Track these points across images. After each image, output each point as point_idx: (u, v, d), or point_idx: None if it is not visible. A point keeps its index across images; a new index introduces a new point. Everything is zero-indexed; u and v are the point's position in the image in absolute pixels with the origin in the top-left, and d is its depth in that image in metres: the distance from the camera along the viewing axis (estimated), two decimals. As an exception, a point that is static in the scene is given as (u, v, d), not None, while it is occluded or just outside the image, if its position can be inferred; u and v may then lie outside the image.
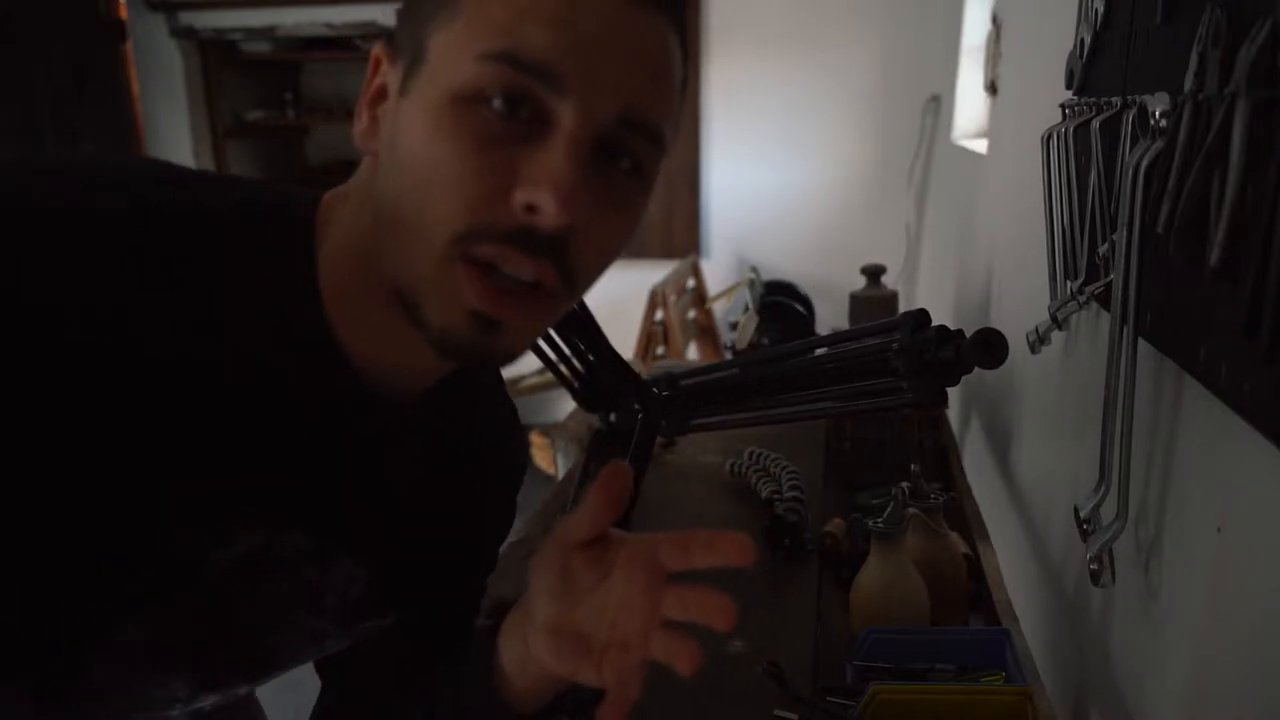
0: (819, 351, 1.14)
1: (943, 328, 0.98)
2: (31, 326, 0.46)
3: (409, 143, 0.50)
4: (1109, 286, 0.90)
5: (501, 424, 0.76)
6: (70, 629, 0.52)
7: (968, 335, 0.97)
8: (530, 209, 0.48)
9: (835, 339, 1.13)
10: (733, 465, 1.57)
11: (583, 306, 1.00)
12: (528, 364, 3.97)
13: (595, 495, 0.52)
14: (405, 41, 0.53)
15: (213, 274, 0.52)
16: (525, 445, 0.80)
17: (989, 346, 0.95)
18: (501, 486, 0.77)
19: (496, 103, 0.48)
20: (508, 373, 0.77)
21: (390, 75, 0.54)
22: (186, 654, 0.58)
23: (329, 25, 3.97)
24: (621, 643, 0.53)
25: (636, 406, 1.03)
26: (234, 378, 0.52)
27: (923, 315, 1.00)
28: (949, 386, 0.99)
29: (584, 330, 0.98)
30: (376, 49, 0.55)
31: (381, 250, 0.53)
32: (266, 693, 1.00)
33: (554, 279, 0.51)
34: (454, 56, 0.49)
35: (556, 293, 0.52)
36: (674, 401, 1.03)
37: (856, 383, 1.03)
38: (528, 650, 0.59)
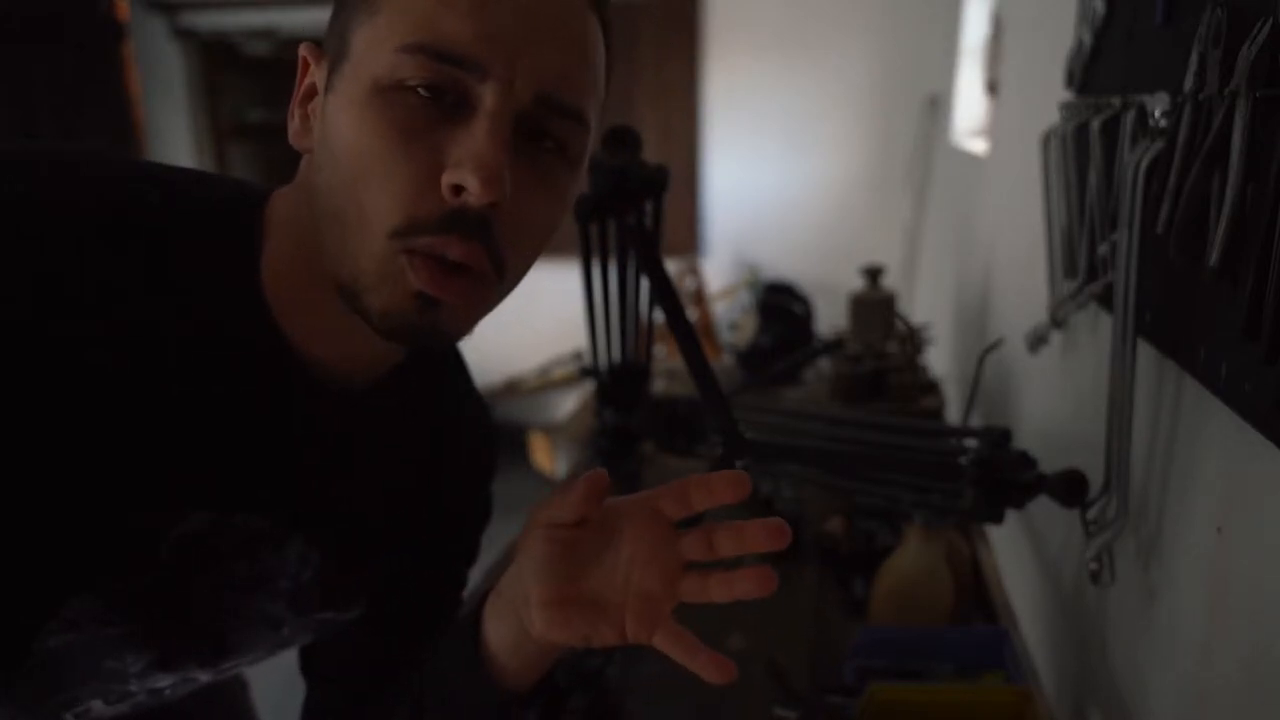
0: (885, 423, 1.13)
1: (1024, 453, 0.98)
2: None
3: (337, 137, 0.51)
4: (1109, 286, 0.90)
5: (465, 414, 0.76)
6: (25, 598, 0.53)
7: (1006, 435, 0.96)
8: (457, 190, 0.49)
9: (916, 427, 1.13)
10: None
11: (692, 337, 0.98)
12: (528, 365, 3.97)
13: (581, 491, 0.54)
14: (331, 41, 0.54)
15: (158, 268, 0.53)
16: (494, 435, 0.80)
17: (1073, 486, 0.94)
18: (469, 477, 0.77)
19: (419, 88, 0.49)
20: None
21: (318, 74, 0.55)
22: (140, 628, 0.59)
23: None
24: (644, 595, 0.55)
25: (720, 443, 1.04)
26: (180, 366, 0.54)
27: (1006, 433, 1.00)
28: (1015, 509, 0.98)
29: (692, 356, 0.97)
30: (303, 49, 0.56)
31: (321, 243, 0.54)
32: (274, 694, 1.01)
33: (484, 261, 0.52)
34: (375, 49, 0.50)
35: (486, 274, 0.53)
36: (756, 447, 1.04)
37: (922, 476, 1.03)
38: (522, 630, 0.59)
